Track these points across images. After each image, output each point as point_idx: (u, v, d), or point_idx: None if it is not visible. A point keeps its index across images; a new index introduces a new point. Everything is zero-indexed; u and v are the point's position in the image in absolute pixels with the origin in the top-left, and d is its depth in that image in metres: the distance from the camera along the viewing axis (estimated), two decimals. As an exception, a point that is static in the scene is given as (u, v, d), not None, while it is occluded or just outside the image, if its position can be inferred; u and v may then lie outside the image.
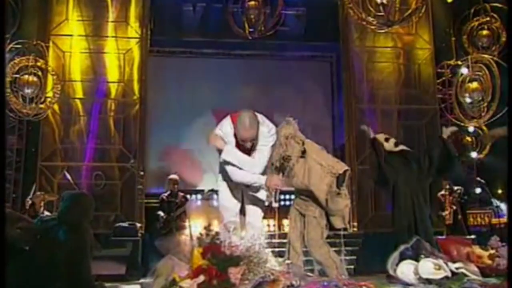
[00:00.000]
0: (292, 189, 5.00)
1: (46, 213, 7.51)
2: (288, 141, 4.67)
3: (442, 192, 8.60)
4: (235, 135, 4.10)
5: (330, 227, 4.95)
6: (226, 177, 4.32)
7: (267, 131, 4.15)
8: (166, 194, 8.44)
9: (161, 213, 8.25)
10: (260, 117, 4.21)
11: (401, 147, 6.06)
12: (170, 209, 8.22)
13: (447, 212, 8.41)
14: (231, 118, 4.18)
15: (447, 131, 6.08)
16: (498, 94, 9.27)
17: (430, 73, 10.55)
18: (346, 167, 4.80)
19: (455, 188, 8.64)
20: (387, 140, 6.08)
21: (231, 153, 4.14)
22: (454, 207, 8.42)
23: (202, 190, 9.43)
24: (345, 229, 4.98)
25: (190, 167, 11.30)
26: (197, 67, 11.83)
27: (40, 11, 9.65)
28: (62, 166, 9.07)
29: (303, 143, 4.77)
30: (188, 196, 8.71)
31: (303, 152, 4.74)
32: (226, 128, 4.12)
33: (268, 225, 9.13)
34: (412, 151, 6.12)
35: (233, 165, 4.14)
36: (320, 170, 4.67)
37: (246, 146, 4.15)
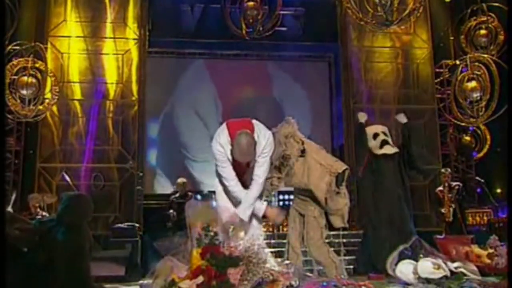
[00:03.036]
0: (292, 189, 5.01)
1: (44, 213, 7.51)
2: (287, 140, 4.67)
3: (441, 188, 8.61)
4: (232, 144, 4.03)
5: (330, 227, 4.96)
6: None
7: (264, 144, 4.09)
8: (176, 196, 8.54)
9: (172, 211, 8.30)
10: (257, 129, 4.10)
11: (384, 150, 5.83)
12: (180, 209, 8.27)
13: (446, 209, 8.41)
14: (228, 128, 4.10)
15: (401, 117, 6.07)
16: (497, 93, 9.28)
17: (428, 73, 10.56)
18: (345, 166, 4.80)
19: (453, 184, 8.65)
20: (375, 137, 5.91)
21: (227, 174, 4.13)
22: (453, 205, 8.42)
23: (201, 191, 9.45)
24: (344, 228, 4.99)
25: (189, 167, 11.32)
26: (195, 68, 11.85)
27: (38, 12, 9.64)
28: (60, 167, 9.06)
29: (302, 143, 4.78)
30: (198, 196, 8.77)
31: (303, 151, 4.74)
32: (223, 139, 4.06)
33: (267, 226, 9.11)
34: (396, 152, 5.87)
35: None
36: (320, 169, 4.67)
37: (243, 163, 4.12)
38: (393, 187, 5.79)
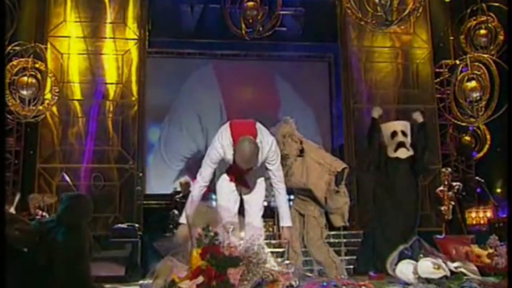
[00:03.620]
0: (292, 189, 5.01)
1: (44, 214, 7.50)
2: (285, 140, 4.68)
3: (441, 188, 8.62)
4: (234, 147, 4.01)
5: (330, 226, 4.96)
6: (224, 178, 4.31)
7: (267, 149, 4.07)
8: (179, 196, 8.55)
9: (175, 211, 8.30)
10: (260, 134, 4.08)
11: (398, 154, 5.52)
12: (183, 210, 8.27)
13: (446, 208, 8.42)
14: (231, 129, 4.08)
15: (419, 116, 5.78)
16: (497, 93, 9.28)
17: (428, 73, 10.56)
18: (344, 165, 4.81)
19: (454, 184, 8.66)
20: (392, 136, 5.55)
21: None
22: (453, 203, 8.44)
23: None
24: (344, 228, 4.99)
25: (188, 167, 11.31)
26: (195, 68, 11.85)
27: (37, 12, 9.64)
28: (60, 167, 9.05)
29: (301, 142, 4.78)
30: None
31: (301, 151, 4.75)
32: (225, 140, 4.04)
33: (268, 226, 9.11)
34: (410, 156, 5.58)
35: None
36: (319, 169, 4.68)
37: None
38: (406, 190, 5.54)
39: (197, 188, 4.09)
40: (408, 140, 5.59)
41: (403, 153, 5.53)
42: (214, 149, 4.04)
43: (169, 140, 11.57)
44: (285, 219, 4.17)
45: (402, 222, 5.46)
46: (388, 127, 5.71)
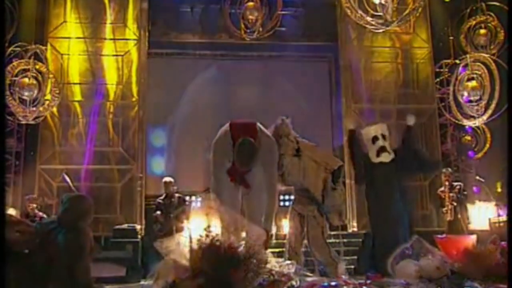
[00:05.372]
0: (292, 189, 5.02)
1: (44, 216, 7.51)
2: (282, 140, 4.69)
3: (442, 188, 8.63)
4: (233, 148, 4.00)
5: (330, 226, 4.97)
6: (225, 178, 4.31)
7: (266, 150, 4.07)
8: (162, 197, 8.40)
9: (158, 212, 8.22)
10: (260, 135, 4.05)
11: (382, 158, 5.56)
12: (167, 210, 8.18)
13: (447, 209, 8.43)
14: (231, 129, 4.07)
15: (411, 119, 5.83)
16: (497, 93, 9.28)
17: (428, 73, 10.57)
18: (341, 162, 4.83)
19: (455, 184, 8.67)
20: (374, 141, 5.61)
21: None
22: (454, 204, 8.45)
23: (201, 191, 9.41)
24: (343, 227, 5.00)
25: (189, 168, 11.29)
26: (195, 69, 11.82)
27: (37, 14, 9.64)
28: (61, 169, 9.05)
29: (297, 142, 4.79)
30: (186, 197, 8.66)
31: (297, 150, 4.76)
32: (225, 140, 4.05)
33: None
34: (393, 161, 5.61)
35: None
36: (315, 167, 4.69)
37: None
38: (389, 192, 5.57)
39: (217, 189, 4.06)
40: (388, 143, 5.65)
41: (385, 157, 5.60)
42: (215, 150, 4.06)
43: (178, 142, 11.51)
44: (268, 223, 4.08)
45: (391, 223, 5.48)
46: (369, 132, 5.77)
